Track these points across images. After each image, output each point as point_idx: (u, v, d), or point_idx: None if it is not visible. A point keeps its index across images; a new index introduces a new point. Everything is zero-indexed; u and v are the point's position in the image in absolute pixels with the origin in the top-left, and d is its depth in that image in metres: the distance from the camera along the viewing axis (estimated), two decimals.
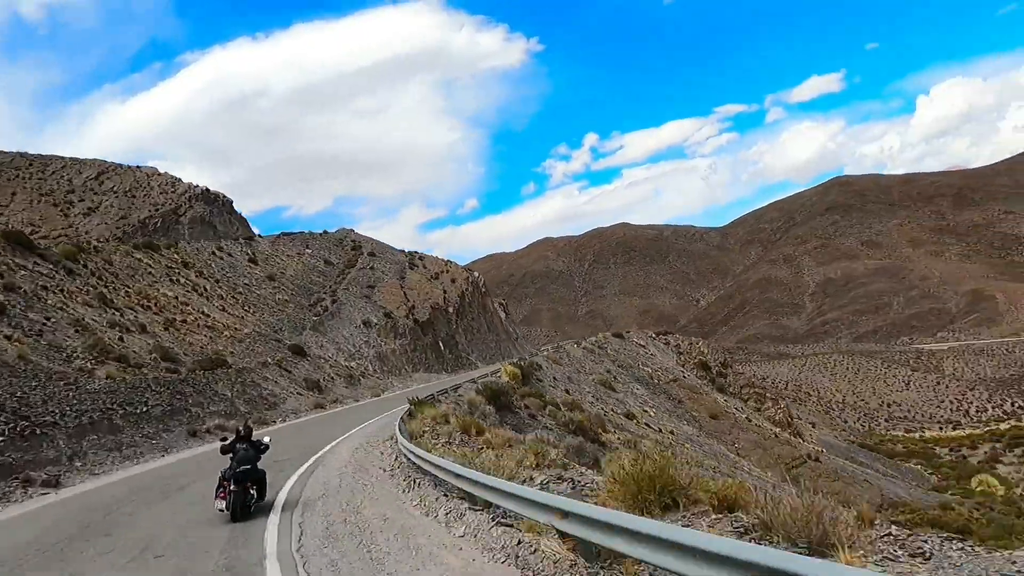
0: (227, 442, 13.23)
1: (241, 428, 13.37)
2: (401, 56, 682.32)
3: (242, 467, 12.46)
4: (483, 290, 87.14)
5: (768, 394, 58.33)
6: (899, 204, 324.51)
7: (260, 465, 13.03)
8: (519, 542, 7.73)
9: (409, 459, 14.43)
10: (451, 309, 66.91)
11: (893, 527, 6.50)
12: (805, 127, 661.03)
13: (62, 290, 33.85)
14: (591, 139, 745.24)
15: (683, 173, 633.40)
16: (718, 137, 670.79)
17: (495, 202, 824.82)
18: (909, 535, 6.11)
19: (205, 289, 48.02)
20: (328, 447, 20.65)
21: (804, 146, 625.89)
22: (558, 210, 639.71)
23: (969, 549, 5.70)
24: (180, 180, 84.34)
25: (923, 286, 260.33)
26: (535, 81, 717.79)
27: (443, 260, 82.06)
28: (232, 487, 12.09)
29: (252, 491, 12.55)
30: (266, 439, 13.96)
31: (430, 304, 62.23)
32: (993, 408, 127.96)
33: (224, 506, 12.12)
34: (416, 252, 79.36)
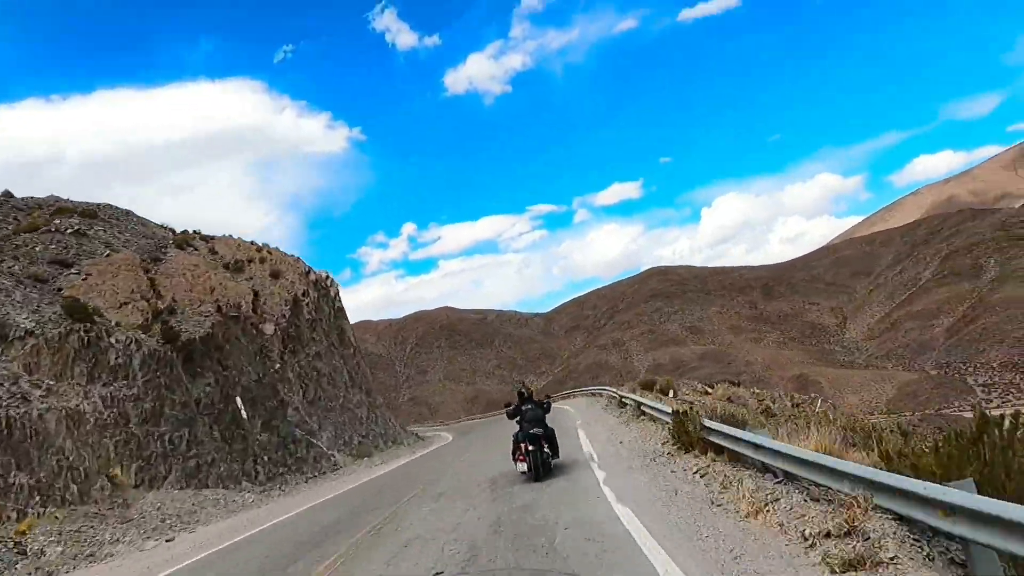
0: (511, 407, 13.63)
1: (523, 390, 14.03)
2: (215, 134, 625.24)
3: (534, 427, 12.56)
4: (336, 303, 49.52)
5: None
6: (715, 293, 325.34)
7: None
8: None
9: None
10: (273, 328, 30.12)
11: None
12: (609, 228, 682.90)
13: None
14: (409, 228, 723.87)
15: (497, 266, 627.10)
16: (531, 233, 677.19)
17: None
18: None
19: None
20: None
21: (609, 246, 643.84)
22: (375, 297, 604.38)
23: None
24: None
25: (750, 371, 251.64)
26: (356, 169, 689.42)
27: (254, 244, 42.49)
28: (529, 447, 12.27)
29: (546, 449, 12.67)
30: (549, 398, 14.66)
31: (218, 304, 25.72)
32: None
33: (525, 468, 12.30)
34: (198, 231, 40.17)
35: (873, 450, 8.50)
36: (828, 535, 6.24)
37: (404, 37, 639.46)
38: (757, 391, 33.44)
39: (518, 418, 13.09)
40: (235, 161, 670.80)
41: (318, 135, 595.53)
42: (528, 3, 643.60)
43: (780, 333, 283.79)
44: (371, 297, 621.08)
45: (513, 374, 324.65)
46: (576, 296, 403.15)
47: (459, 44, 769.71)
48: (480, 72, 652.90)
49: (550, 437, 12.91)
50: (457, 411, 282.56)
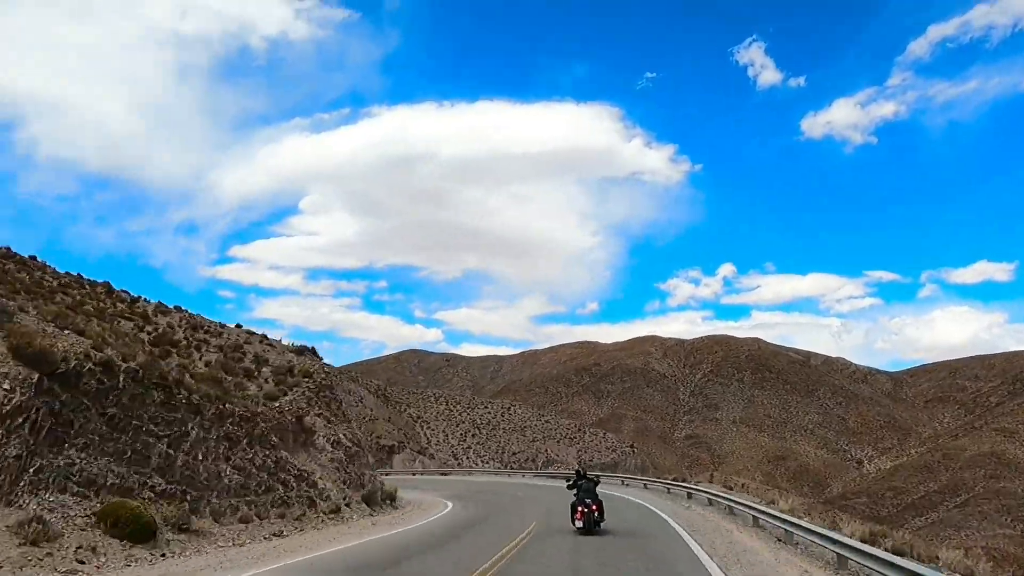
0: (570, 482, 19.00)
1: (580, 469, 19.65)
2: (565, 151, 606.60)
3: (588, 496, 17.89)
4: None
5: None
6: None
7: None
8: None
9: None
10: None
11: None
12: (960, 311, 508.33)
13: None
14: (727, 270, 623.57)
15: (814, 328, 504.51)
16: (861, 300, 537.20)
17: (616, 311, 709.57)
18: None
19: None
20: None
21: (954, 330, 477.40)
22: (676, 333, 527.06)
23: None
24: None
25: None
26: (687, 203, 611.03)
27: None
28: (585, 510, 17.53)
29: (596, 513, 17.85)
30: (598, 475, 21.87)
31: None
32: None
33: (581, 524, 17.52)
34: None
35: None
36: None
37: (768, 74, 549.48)
38: None
39: (575, 490, 18.26)
40: (575, 180, 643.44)
41: (659, 166, 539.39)
42: (915, 51, 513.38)
43: None
44: (671, 331, 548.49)
45: (841, 439, 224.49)
46: (943, 360, 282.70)
47: (826, 87, 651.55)
48: (843, 119, 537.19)
49: (600, 505, 18.06)
50: (752, 469, 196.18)
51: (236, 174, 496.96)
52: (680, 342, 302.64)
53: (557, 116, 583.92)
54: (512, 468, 72.35)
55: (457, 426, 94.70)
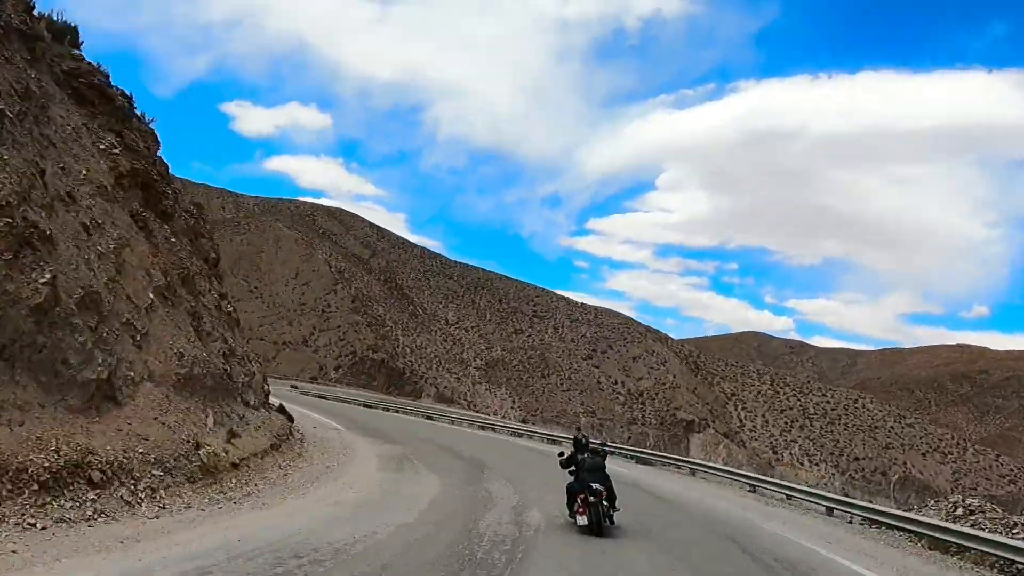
0: (564, 456, 12.69)
1: (580, 436, 12.90)
2: (965, 128, 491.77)
3: (594, 478, 11.77)
4: None
5: None
6: None
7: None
8: None
9: None
10: None
11: None
12: None
13: None
14: None
15: None
16: None
17: (1013, 317, 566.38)
18: None
19: None
20: None
21: None
22: None
23: None
24: None
25: None
26: None
27: None
28: (592, 498, 11.47)
29: (605, 503, 11.78)
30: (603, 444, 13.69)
31: None
32: None
33: (586, 520, 11.36)
34: None
35: None
36: None
37: None
38: None
39: (572, 468, 12.19)
40: (974, 162, 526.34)
41: None
42: None
43: None
44: None
45: None
46: None
47: None
48: None
49: (611, 489, 11.80)
50: None
51: (600, 150, 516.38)
52: None
53: (959, 87, 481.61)
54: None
55: (782, 412, 77.72)
